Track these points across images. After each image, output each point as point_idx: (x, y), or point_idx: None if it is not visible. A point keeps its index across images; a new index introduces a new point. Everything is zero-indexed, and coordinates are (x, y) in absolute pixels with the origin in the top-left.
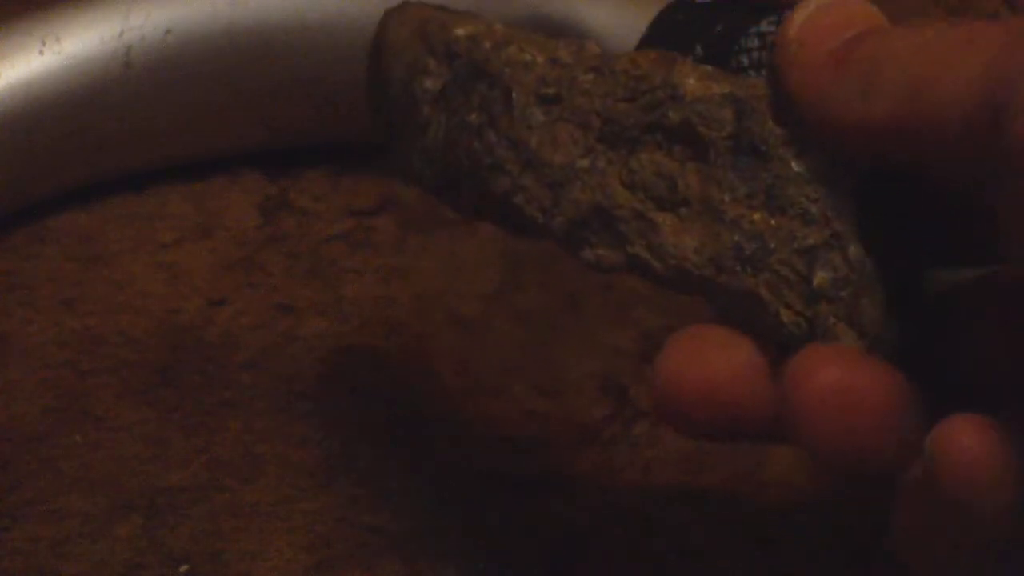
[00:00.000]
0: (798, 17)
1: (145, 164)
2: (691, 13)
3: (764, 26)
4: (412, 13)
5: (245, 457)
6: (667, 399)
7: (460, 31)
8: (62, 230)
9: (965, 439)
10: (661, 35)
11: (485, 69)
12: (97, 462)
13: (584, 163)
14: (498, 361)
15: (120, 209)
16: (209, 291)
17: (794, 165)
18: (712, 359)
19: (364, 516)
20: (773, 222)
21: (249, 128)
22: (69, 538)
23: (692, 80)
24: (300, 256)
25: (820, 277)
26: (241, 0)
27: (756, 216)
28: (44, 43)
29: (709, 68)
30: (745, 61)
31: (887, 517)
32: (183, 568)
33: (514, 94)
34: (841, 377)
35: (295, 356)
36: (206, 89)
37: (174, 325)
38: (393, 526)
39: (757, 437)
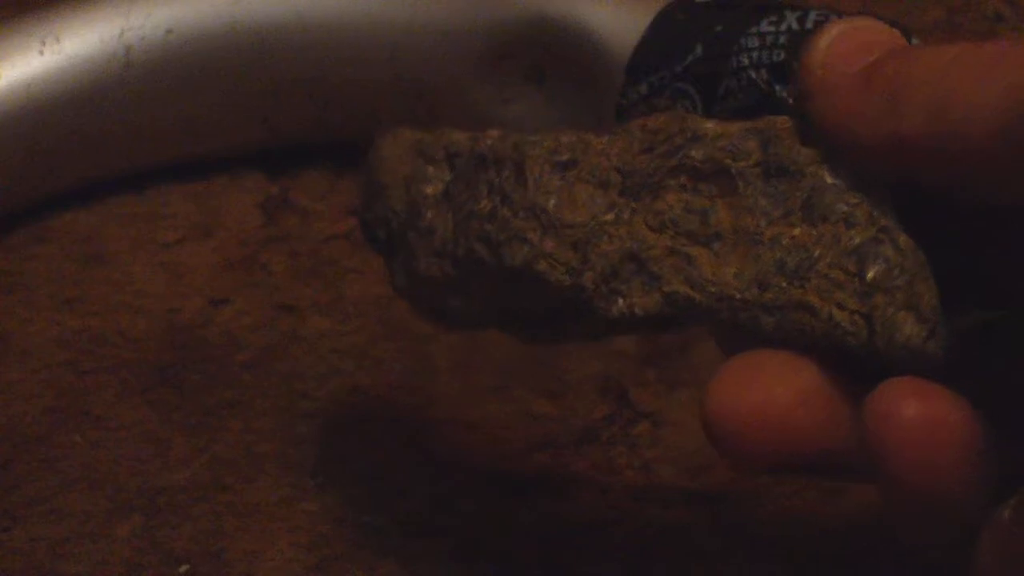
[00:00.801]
0: (822, 42)
1: (145, 164)
2: (691, 13)
3: (764, 26)
4: (404, 135)
5: (246, 457)
6: (722, 431)
7: (459, 135)
8: (62, 230)
9: None
10: (661, 35)
11: (492, 157)
12: (97, 462)
13: (608, 217)
14: (498, 362)
15: (120, 209)
16: (210, 291)
17: (828, 178)
18: (770, 385)
19: (364, 516)
20: (815, 232)
21: (249, 128)
22: (69, 538)
23: (710, 124)
24: (301, 255)
25: (874, 270)
26: (242, 0)
27: (796, 231)
28: (44, 43)
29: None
30: (745, 61)
31: (887, 518)
32: (183, 568)
33: (527, 166)
34: (925, 410)
35: (296, 356)
36: (206, 89)
37: (174, 325)
38: (393, 526)
39: (822, 471)
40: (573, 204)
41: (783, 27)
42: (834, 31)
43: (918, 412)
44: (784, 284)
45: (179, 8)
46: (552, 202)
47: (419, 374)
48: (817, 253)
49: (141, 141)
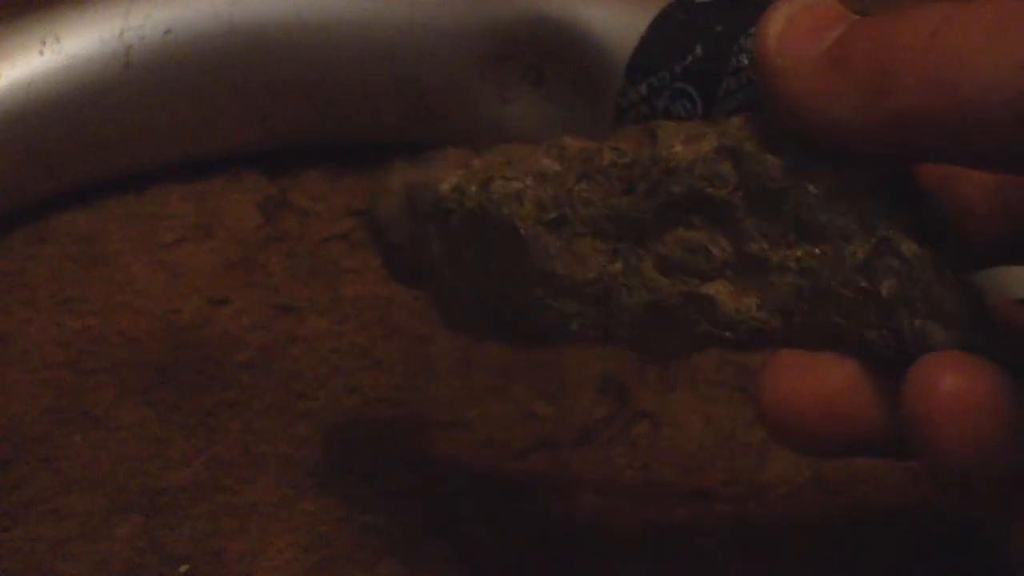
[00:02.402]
0: (771, 29)
1: (145, 164)
2: (691, 13)
3: None
4: (395, 181)
5: (245, 457)
6: (780, 418)
7: (444, 186)
8: (62, 230)
9: None
10: (661, 35)
11: (483, 215)
12: (97, 462)
13: (616, 267)
14: (498, 361)
15: (120, 209)
16: (209, 291)
17: (811, 188)
18: (821, 371)
19: (364, 516)
20: (817, 251)
21: (249, 128)
22: (69, 538)
23: (678, 147)
24: (300, 256)
25: (886, 286)
26: (241, 0)
27: (798, 253)
28: (44, 43)
29: (689, 124)
30: (745, 61)
31: (888, 517)
32: (183, 568)
33: (521, 231)
34: (963, 383)
35: (295, 356)
36: (206, 89)
37: (174, 325)
38: (393, 526)
39: (875, 452)
40: (580, 261)
41: None
42: (779, 15)
43: (955, 385)
44: (806, 308)
45: (178, 8)
46: (559, 265)
47: (418, 374)
48: (827, 273)
49: (141, 141)
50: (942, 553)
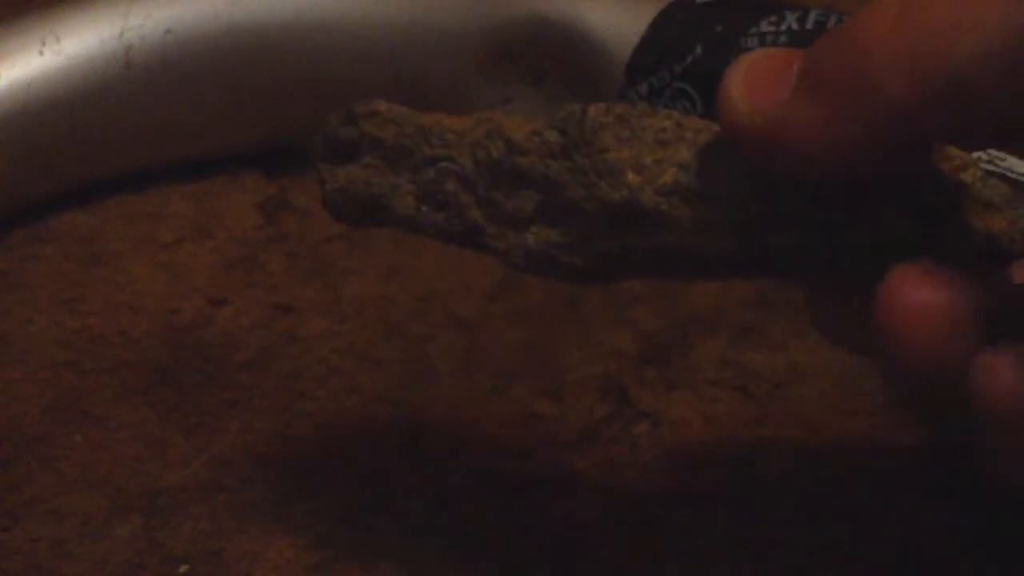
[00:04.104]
0: (734, 98)
1: (145, 164)
2: (691, 13)
3: (764, 26)
4: (338, 189)
5: (245, 457)
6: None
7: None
8: (62, 230)
9: None
10: (661, 35)
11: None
12: (97, 462)
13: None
14: (498, 361)
15: (120, 209)
16: (209, 291)
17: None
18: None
19: (364, 516)
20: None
21: (249, 128)
22: (69, 538)
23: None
24: (300, 256)
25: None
26: (241, 0)
27: None
28: (44, 43)
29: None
30: None
31: (889, 518)
32: (183, 568)
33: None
34: (931, 293)
35: (295, 356)
36: (206, 89)
37: (174, 325)
38: (393, 526)
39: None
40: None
41: (783, 27)
42: (732, 84)
43: (921, 298)
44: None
45: (179, 8)
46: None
47: (418, 374)
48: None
49: (141, 141)
50: (943, 552)
